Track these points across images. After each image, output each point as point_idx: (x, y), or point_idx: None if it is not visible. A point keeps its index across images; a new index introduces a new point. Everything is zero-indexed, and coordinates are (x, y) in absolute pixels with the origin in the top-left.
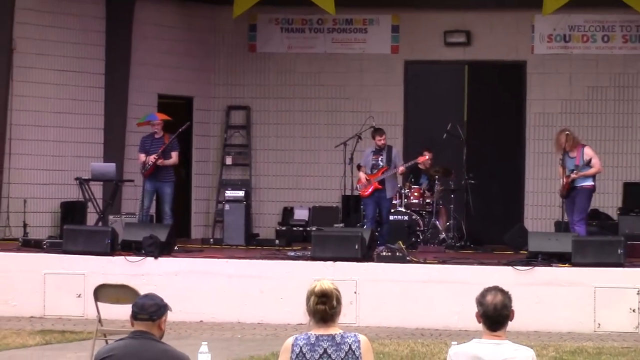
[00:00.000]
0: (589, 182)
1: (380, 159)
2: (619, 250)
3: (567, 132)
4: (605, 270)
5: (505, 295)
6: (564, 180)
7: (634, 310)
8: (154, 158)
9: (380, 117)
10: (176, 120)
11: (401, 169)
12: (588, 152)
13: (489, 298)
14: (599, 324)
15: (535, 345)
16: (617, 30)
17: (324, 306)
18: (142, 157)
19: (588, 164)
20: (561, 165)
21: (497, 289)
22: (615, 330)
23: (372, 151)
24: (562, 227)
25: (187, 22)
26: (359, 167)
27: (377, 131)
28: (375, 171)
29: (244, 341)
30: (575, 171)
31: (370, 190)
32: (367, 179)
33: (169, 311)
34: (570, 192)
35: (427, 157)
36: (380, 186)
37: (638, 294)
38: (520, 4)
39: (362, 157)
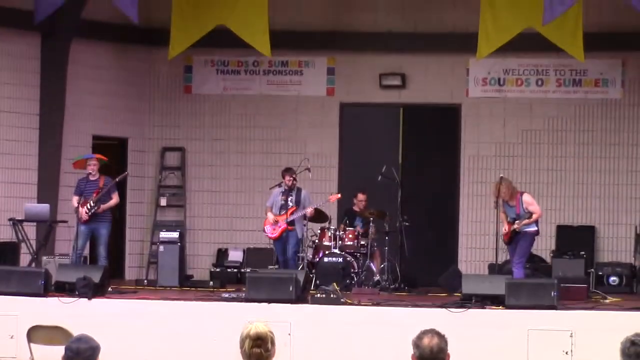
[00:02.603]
0: (532, 228)
1: (289, 199)
2: (552, 293)
3: (503, 183)
4: (538, 313)
5: (442, 338)
6: (507, 227)
7: (566, 353)
8: (88, 209)
9: (316, 159)
10: (111, 161)
11: (309, 210)
12: (527, 199)
13: (426, 341)
14: None
15: None
16: (551, 74)
17: (259, 349)
18: (75, 199)
19: (529, 214)
20: (503, 212)
21: (433, 332)
22: None
23: (281, 191)
24: (496, 269)
25: (122, 64)
26: (266, 210)
27: (287, 171)
28: (283, 212)
29: None
30: (517, 221)
31: (279, 232)
32: (275, 220)
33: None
34: (513, 237)
35: (339, 195)
36: (291, 227)
37: (571, 336)
38: (455, 47)
39: (270, 198)
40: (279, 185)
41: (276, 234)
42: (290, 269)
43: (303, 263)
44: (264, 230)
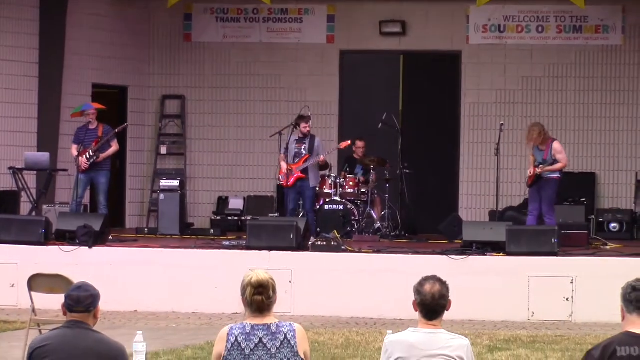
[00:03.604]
0: (555, 174)
1: (303, 147)
2: (552, 240)
3: (536, 127)
4: (539, 260)
5: (444, 285)
6: (531, 170)
7: (567, 299)
8: (87, 158)
9: (316, 107)
10: (110, 110)
11: (322, 158)
12: (556, 147)
13: (427, 287)
14: (533, 313)
15: (469, 334)
16: (552, 20)
17: (261, 297)
18: (75, 148)
19: (554, 160)
20: (532, 155)
21: (435, 279)
22: (549, 319)
23: (295, 139)
24: (496, 216)
25: (122, 12)
26: (282, 154)
27: (303, 118)
28: (297, 160)
29: (178, 331)
30: (541, 165)
31: (292, 180)
32: (288, 169)
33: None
34: (535, 182)
35: (348, 142)
36: (303, 175)
37: (572, 283)
38: None
39: (284, 145)
40: (280, 133)
41: (290, 182)
42: (309, 221)
43: (304, 210)
44: (278, 179)
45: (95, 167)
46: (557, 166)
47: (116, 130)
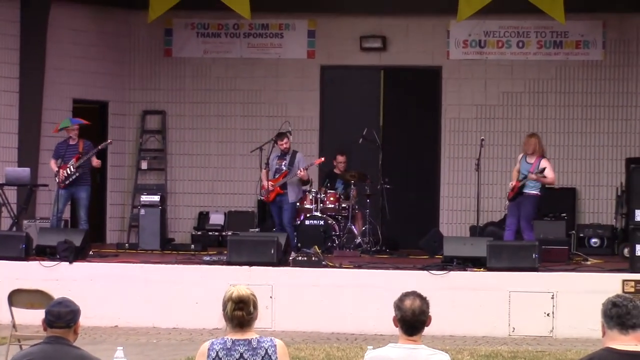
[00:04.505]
0: (536, 191)
1: (283, 163)
2: (533, 255)
3: (538, 139)
4: (520, 275)
5: (424, 301)
6: (514, 183)
7: (548, 315)
8: (68, 174)
9: (296, 122)
10: (91, 125)
11: (300, 173)
12: (545, 163)
13: (408, 303)
14: (514, 328)
15: (450, 349)
16: (532, 36)
17: (241, 312)
18: (54, 162)
19: (542, 171)
20: (516, 170)
21: (415, 294)
22: (530, 334)
23: (276, 155)
24: (477, 231)
25: (102, 27)
26: (265, 170)
27: (280, 135)
28: (277, 176)
29: (159, 346)
30: (531, 173)
31: (272, 196)
32: (270, 185)
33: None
34: (516, 196)
35: (322, 159)
36: (281, 191)
37: (552, 298)
38: (436, 9)
39: (266, 160)
40: (260, 148)
41: (271, 197)
42: (288, 236)
43: (282, 225)
44: (260, 194)
45: (75, 182)
46: (548, 180)
47: (99, 147)
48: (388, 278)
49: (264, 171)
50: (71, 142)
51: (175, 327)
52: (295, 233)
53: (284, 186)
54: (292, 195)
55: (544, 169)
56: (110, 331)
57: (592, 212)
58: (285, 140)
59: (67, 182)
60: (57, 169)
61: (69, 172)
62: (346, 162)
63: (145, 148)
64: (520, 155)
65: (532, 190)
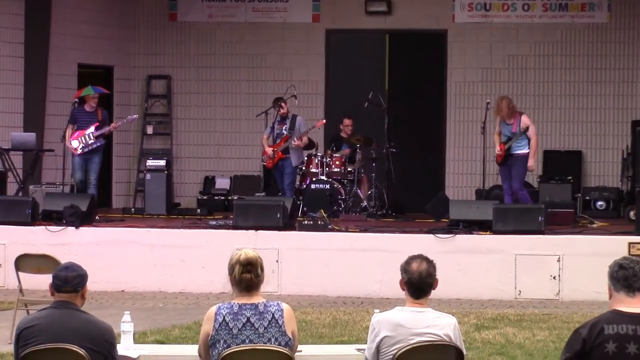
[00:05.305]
0: (524, 150)
1: (284, 127)
2: (539, 218)
3: (504, 100)
4: (525, 238)
5: (430, 264)
6: (499, 147)
7: (554, 278)
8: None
9: (302, 86)
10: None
11: (295, 142)
12: (526, 120)
13: (414, 266)
14: (520, 291)
15: (456, 312)
16: None
17: (249, 274)
18: (70, 127)
19: (525, 131)
20: (497, 133)
21: (422, 257)
22: (536, 297)
23: (277, 120)
24: (483, 194)
25: None
26: (265, 135)
27: (276, 101)
28: (278, 140)
29: (166, 310)
30: (514, 136)
31: (275, 160)
32: (272, 150)
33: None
34: (506, 159)
35: (324, 121)
36: (283, 155)
37: (558, 261)
38: None
39: (267, 128)
40: (266, 112)
41: (273, 163)
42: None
43: (283, 188)
44: (262, 160)
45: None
46: (534, 145)
47: (124, 120)
48: (394, 242)
49: (264, 136)
50: (88, 109)
51: (181, 291)
52: (294, 197)
53: (285, 150)
54: (294, 159)
55: (527, 128)
56: (116, 296)
57: (598, 175)
58: (281, 104)
59: (85, 150)
60: (69, 134)
61: (88, 141)
62: (353, 126)
63: (151, 113)
64: (498, 119)
65: (521, 149)
